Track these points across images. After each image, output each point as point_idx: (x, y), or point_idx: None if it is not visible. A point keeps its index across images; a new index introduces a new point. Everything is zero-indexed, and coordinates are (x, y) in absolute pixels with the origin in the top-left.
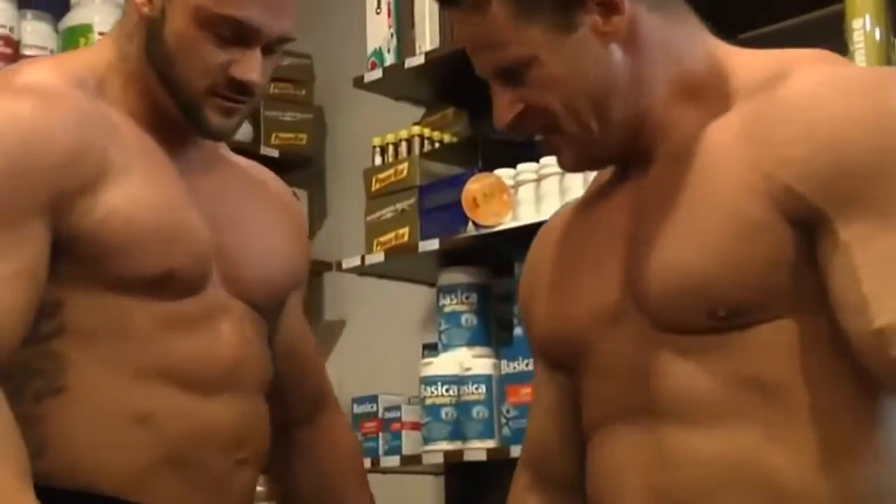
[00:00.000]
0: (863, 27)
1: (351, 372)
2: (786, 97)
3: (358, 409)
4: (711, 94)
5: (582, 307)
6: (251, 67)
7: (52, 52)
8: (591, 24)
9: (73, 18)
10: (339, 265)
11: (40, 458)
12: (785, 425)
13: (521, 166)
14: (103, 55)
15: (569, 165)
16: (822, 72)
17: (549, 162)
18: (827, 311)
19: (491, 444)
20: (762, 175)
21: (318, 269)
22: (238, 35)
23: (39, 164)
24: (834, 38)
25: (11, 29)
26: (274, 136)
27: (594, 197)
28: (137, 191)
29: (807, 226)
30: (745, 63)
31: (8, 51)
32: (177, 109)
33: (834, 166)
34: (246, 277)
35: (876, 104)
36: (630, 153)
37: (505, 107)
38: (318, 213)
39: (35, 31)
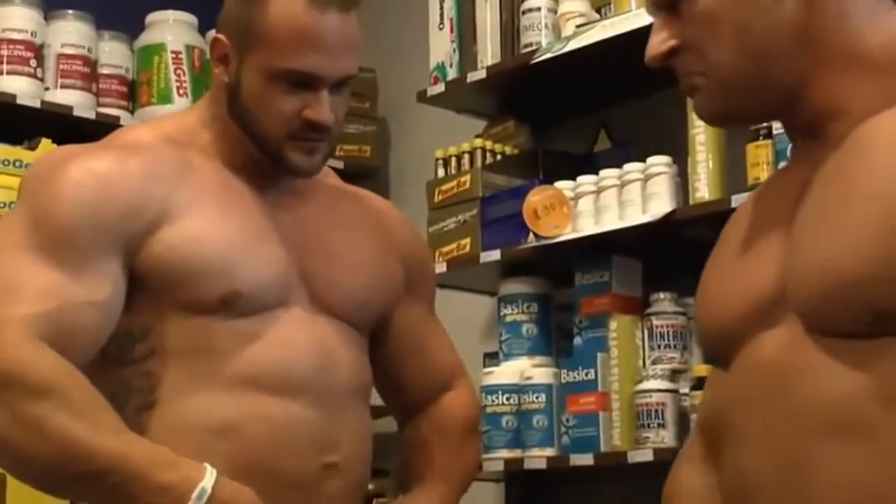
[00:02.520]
0: None
1: None
2: None
3: None
4: (893, 74)
5: (737, 300)
6: (321, 109)
7: (126, 70)
8: None
9: (146, 38)
10: None
11: None
12: None
13: (580, 178)
14: (196, 116)
15: (705, 113)
16: None
17: (608, 174)
18: None
19: (550, 452)
20: None
21: None
22: (304, 83)
23: (110, 212)
24: None
25: (90, 49)
26: (339, 147)
27: (776, 176)
28: (196, 227)
29: None
30: None
31: (86, 70)
32: (264, 156)
33: None
34: (331, 293)
35: None
36: (795, 125)
37: (658, 40)
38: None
39: (111, 51)
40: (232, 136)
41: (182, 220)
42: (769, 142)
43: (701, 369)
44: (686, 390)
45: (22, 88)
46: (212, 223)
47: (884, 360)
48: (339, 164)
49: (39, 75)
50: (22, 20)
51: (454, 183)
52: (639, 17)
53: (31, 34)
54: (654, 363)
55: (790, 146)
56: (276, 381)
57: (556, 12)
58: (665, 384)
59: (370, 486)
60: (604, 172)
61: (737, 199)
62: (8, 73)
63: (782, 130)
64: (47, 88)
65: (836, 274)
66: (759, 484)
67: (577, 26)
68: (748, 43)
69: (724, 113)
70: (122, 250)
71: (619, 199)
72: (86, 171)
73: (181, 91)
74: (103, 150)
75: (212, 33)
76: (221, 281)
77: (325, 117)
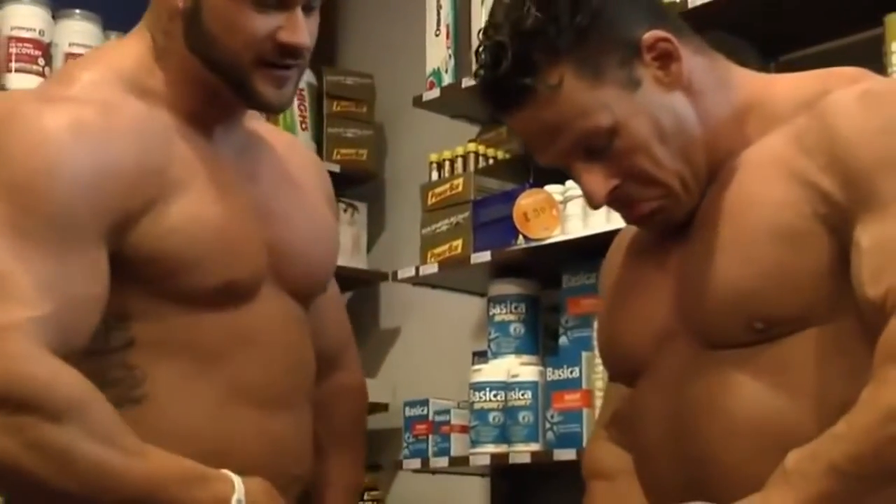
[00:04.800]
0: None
1: (404, 377)
2: (825, 113)
3: (409, 412)
4: (754, 119)
5: (636, 328)
6: (297, 29)
7: None
8: (652, 77)
9: None
10: (394, 275)
11: None
12: (817, 432)
13: (569, 183)
14: (140, 47)
15: (679, 216)
16: (855, 88)
17: None
18: (854, 313)
19: (535, 447)
20: (801, 184)
21: (374, 279)
22: (274, 1)
23: (108, 188)
24: (873, 61)
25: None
26: (336, 151)
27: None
28: (195, 207)
29: (840, 230)
30: (784, 87)
31: None
32: (229, 89)
33: (855, 168)
34: (293, 270)
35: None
36: None
37: (600, 183)
38: (376, 226)
39: None
40: (183, 75)
41: (179, 197)
42: None
43: None
44: None
45: (30, 86)
46: (205, 203)
47: (771, 360)
48: (336, 168)
49: (47, 74)
50: (30, 19)
51: (447, 186)
52: None
53: (40, 33)
54: None
55: None
56: (265, 394)
57: None
58: None
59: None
60: None
61: None
62: (16, 70)
63: None
64: None
65: (727, 289)
66: (668, 490)
67: None
68: (673, 143)
69: (684, 214)
70: (111, 232)
71: None
72: (74, 132)
73: None
74: (84, 104)
75: None
76: (220, 271)
77: (302, 39)
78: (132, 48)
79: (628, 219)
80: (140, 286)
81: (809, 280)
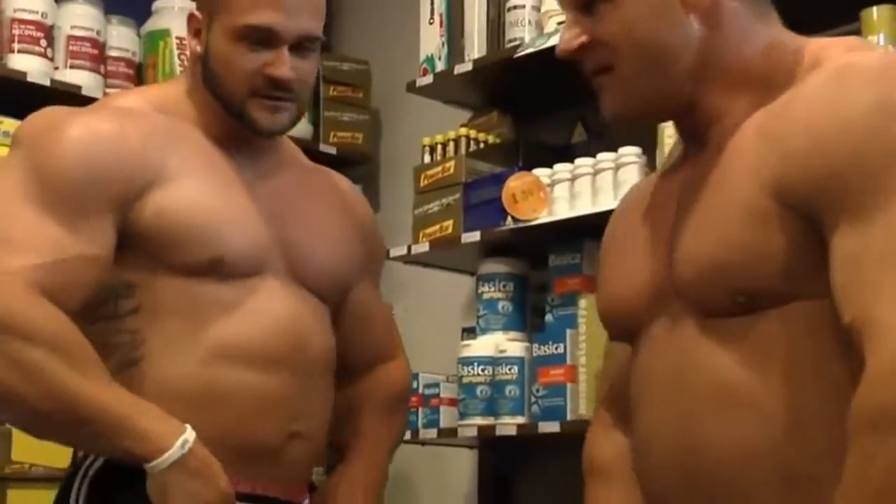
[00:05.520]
0: (877, 45)
1: None
2: (797, 92)
3: None
4: (761, 85)
5: (632, 289)
6: (281, 65)
7: (133, 53)
8: None
9: (153, 24)
10: (387, 254)
11: None
12: (797, 408)
13: (557, 166)
14: (178, 88)
15: (610, 113)
16: (838, 64)
17: (583, 163)
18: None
19: (521, 420)
20: (769, 168)
21: None
22: (263, 40)
23: (110, 171)
24: None
25: (98, 32)
26: (332, 134)
27: (661, 177)
28: (186, 192)
29: (811, 218)
30: (807, 54)
31: (95, 52)
32: (231, 117)
33: (825, 166)
34: (307, 266)
35: (876, 96)
36: (685, 130)
37: (573, 34)
38: (370, 206)
39: (119, 35)
40: (209, 107)
41: (173, 185)
42: None
43: None
44: None
45: (32, 67)
46: (200, 190)
47: (754, 334)
48: (333, 151)
49: (49, 55)
50: (33, 1)
51: (439, 168)
52: None
53: (42, 15)
54: None
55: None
56: (253, 355)
57: (539, 10)
58: None
59: None
60: (579, 161)
61: None
62: (19, 51)
63: None
64: (56, 68)
65: (709, 261)
66: (660, 449)
67: (559, 23)
68: (656, 51)
69: (625, 113)
70: (116, 209)
71: (592, 186)
72: (88, 130)
73: None
74: (102, 112)
75: None
76: (208, 246)
77: (284, 73)
78: (168, 87)
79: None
80: (144, 259)
81: (784, 257)
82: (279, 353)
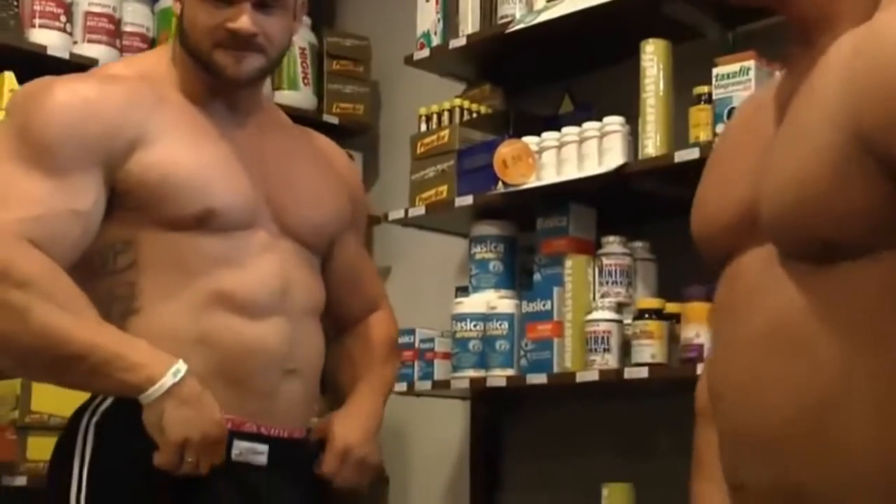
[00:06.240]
0: None
1: (394, 309)
2: (878, 31)
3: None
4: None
5: (726, 211)
6: (240, 18)
7: (147, 28)
8: None
9: (166, 0)
10: (385, 217)
11: None
12: (852, 363)
13: (545, 134)
14: (162, 56)
15: None
16: None
17: (570, 131)
18: None
19: (510, 372)
20: (849, 114)
21: (369, 222)
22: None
23: (93, 130)
24: None
25: (114, 8)
26: (335, 106)
27: (773, 88)
28: (171, 150)
29: (891, 165)
30: None
31: (111, 27)
32: (201, 69)
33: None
34: (294, 219)
35: None
36: (792, 28)
37: None
38: (370, 174)
39: (134, 11)
40: (191, 71)
41: (158, 143)
42: (709, 106)
43: (644, 302)
44: (629, 321)
45: (52, 41)
46: (186, 148)
47: (830, 284)
48: (335, 121)
49: (69, 30)
50: None
51: (434, 137)
52: None
53: None
54: (602, 297)
55: (728, 108)
56: (243, 304)
57: None
58: (611, 315)
59: None
60: (565, 129)
61: (680, 155)
62: (40, 26)
63: (721, 95)
64: (75, 42)
65: (790, 198)
66: (722, 391)
67: (548, 0)
68: None
69: None
70: (102, 166)
71: (578, 153)
72: (71, 93)
73: None
74: (87, 78)
75: None
76: (196, 199)
77: (242, 24)
78: (153, 55)
79: None
80: (137, 216)
81: (865, 206)
82: (268, 302)
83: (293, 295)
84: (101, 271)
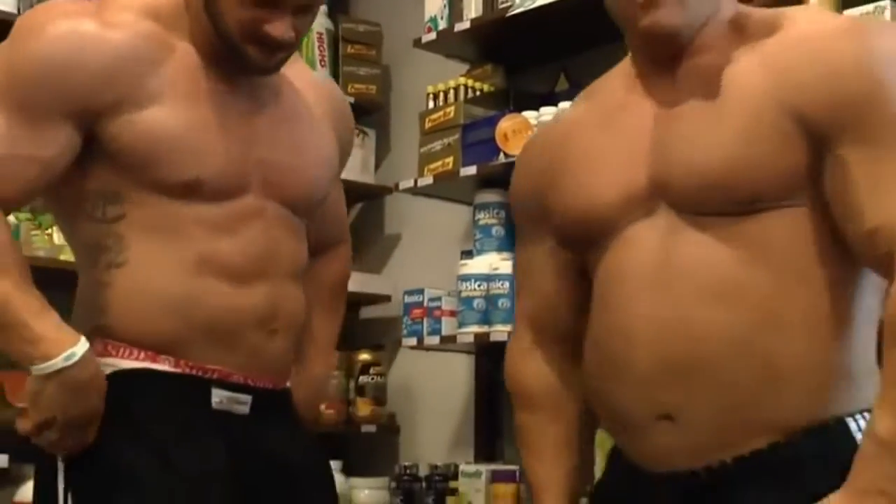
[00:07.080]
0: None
1: (405, 271)
2: (797, 34)
3: (408, 300)
4: (739, 31)
5: (612, 193)
6: (282, 25)
7: None
8: None
9: None
10: (396, 187)
11: (105, 316)
12: (784, 306)
13: (542, 109)
14: (173, 1)
15: (665, 21)
16: (821, 17)
17: (565, 106)
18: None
19: (511, 328)
20: (778, 98)
21: (381, 192)
22: (269, 2)
23: (74, 79)
24: None
25: None
26: (350, 86)
27: (611, 95)
28: (166, 114)
29: (814, 139)
30: (750, 14)
31: None
32: (227, 52)
33: (835, 95)
34: (285, 187)
35: (865, 46)
36: (660, 59)
37: None
38: (382, 148)
39: None
40: (204, 26)
41: (151, 106)
42: None
43: None
44: None
45: None
46: (178, 113)
47: (749, 233)
48: (350, 100)
49: None
50: None
51: (441, 113)
52: None
53: None
54: None
55: None
56: (229, 268)
57: None
58: None
59: (366, 357)
60: (562, 105)
61: None
62: None
63: None
64: None
65: (716, 167)
66: (644, 340)
67: None
68: None
69: (678, 27)
70: (77, 119)
71: None
72: (67, 31)
73: None
74: (92, 15)
75: None
76: (186, 169)
77: (285, 35)
78: None
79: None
80: (128, 173)
81: (787, 167)
82: (254, 268)
83: (278, 261)
84: (91, 216)
